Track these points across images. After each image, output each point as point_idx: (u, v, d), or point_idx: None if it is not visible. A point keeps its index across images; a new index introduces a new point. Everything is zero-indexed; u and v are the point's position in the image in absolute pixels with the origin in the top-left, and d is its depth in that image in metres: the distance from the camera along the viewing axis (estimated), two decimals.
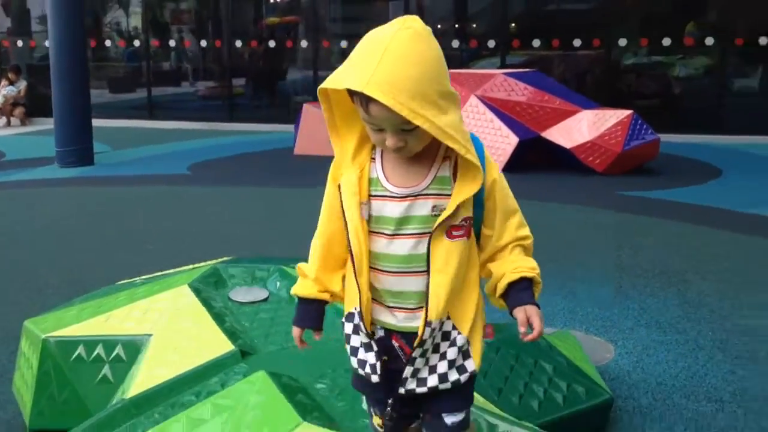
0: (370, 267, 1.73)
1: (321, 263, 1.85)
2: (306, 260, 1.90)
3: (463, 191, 1.68)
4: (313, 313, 1.88)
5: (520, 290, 1.73)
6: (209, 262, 3.46)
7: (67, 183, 8.39)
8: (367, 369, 1.77)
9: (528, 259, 1.77)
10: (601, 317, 4.18)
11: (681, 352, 3.72)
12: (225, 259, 3.56)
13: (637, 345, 3.81)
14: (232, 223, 6.35)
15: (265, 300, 3.07)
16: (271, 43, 14.15)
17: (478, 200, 1.73)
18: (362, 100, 1.60)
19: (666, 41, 12.10)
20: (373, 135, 1.69)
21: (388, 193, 1.71)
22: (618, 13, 12.57)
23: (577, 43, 12.51)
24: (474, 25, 13.92)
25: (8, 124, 13.93)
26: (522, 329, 1.70)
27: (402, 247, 1.71)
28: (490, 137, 8.89)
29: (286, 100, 14.32)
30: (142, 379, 2.52)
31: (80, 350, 2.77)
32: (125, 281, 3.47)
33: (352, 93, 1.65)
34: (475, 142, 1.72)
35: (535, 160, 9.10)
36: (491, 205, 1.75)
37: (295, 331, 1.91)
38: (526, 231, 1.80)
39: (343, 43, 13.64)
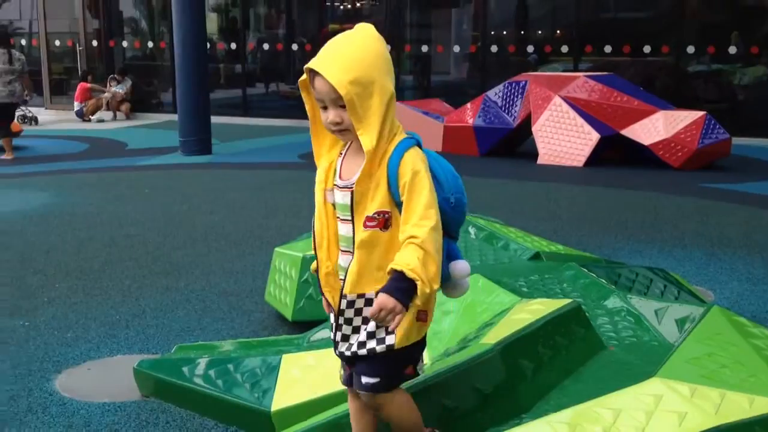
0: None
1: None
2: None
3: (358, 177, 1.93)
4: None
5: (389, 279, 1.87)
6: None
7: (200, 167, 9.49)
8: (330, 330, 2.11)
9: (409, 256, 1.84)
10: (699, 274, 5.04)
11: None
12: None
13: (732, 293, 4.67)
14: None
15: None
16: None
17: (397, 199, 1.92)
18: (311, 78, 1.95)
19: (732, 49, 12.82)
20: (322, 115, 1.96)
21: (338, 184, 2.01)
22: (686, 22, 13.34)
23: (647, 49, 13.29)
24: (547, 31, 14.75)
25: (114, 118, 15.20)
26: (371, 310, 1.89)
27: (343, 229, 2.02)
28: (573, 134, 9.79)
29: None
30: None
31: None
32: None
33: (312, 80, 1.96)
34: (403, 145, 1.93)
35: (613, 157, 10.00)
36: (404, 203, 1.91)
37: (324, 301, 2.12)
38: (417, 231, 1.86)
39: (424, 48, 14.61)
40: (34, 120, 14.04)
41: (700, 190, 8.01)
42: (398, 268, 1.84)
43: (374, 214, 1.93)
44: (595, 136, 9.62)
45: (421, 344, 2.07)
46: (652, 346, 2.73)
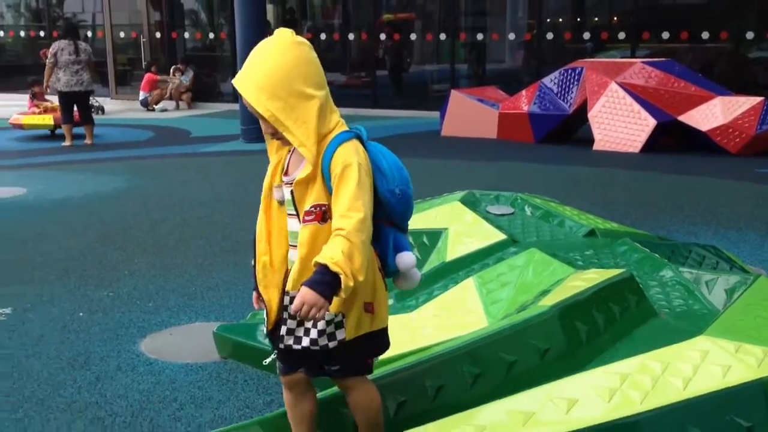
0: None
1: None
2: None
3: (297, 178, 1.99)
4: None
5: (313, 272, 1.88)
6: (457, 192, 4.62)
7: (261, 154, 9.73)
8: (264, 323, 2.14)
9: (334, 249, 1.86)
10: (753, 254, 5.11)
11: None
12: (464, 192, 4.72)
13: None
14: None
15: (512, 214, 4.20)
16: (413, 37, 15.38)
17: (331, 190, 1.95)
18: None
19: None
20: (261, 125, 2.03)
21: (284, 180, 2.06)
22: (746, 8, 13.16)
23: (705, 35, 13.16)
24: (604, 18, 14.69)
25: (177, 107, 15.68)
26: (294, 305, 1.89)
27: (291, 225, 2.05)
28: (629, 120, 9.81)
29: (424, 89, 15.49)
30: (450, 253, 3.70)
31: None
32: None
33: None
34: (338, 139, 1.98)
35: (670, 143, 10.00)
36: (333, 195, 1.95)
37: (254, 294, 2.16)
38: (344, 222, 1.88)
39: (479, 36, 14.70)
40: (101, 109, 14.56)
41: (756, 176, 7.99)
42: (322, 261, 1.84)
43: (311, 207, 1.97)
44: (651, 122, 9.63)
45: (380, 336, 2.10)
46: (702, 314, 2.87)
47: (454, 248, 3.72)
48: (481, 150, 9.93)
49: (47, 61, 10.47)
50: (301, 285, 1.86)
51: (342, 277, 1.82)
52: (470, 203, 4.29)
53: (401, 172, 2.09)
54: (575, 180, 7.89)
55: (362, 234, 1.89)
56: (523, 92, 11.17)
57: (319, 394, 2.28)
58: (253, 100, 1.94)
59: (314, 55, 2.01)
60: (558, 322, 2.54)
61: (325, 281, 1.83)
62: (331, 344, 2.00)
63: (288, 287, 2.01)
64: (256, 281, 2.09)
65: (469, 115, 11.23)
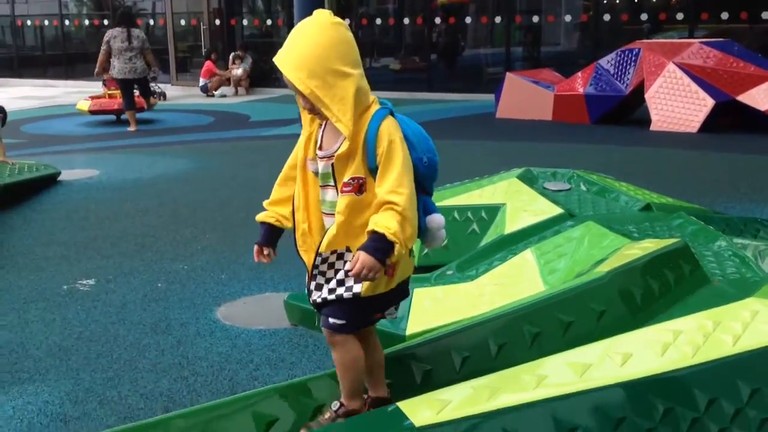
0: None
1: (273, 197, 2.33)
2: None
3: (337, 153, 2.10)
4: (264, 231, 2.34)
5: (367, 239, 2.05)
6: (514, 170, 4.75)
7: None
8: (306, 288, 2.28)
9: (389, 220, 2.01)
10: None
11: None
12: (521, 168, 4.85)
13: None
14: (456, 161, 7.69)
15: (568, 190, 4.33)
16: (468, 20, 15.43)
17: (372, 165, 2.07)
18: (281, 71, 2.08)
19: None
20: (298, 100, 2.14)
21: (319, 154, 2.18)
22: None
23: (765, 15, 12.92)
24: None
25: (236, 93, 16.04)
26: (348, 266, 2.08)
27: (328, 195, 2.17)
28: (687, 100, 9.76)
29: (479, 72, 15.54)
30: (509, 227, 3.86)
31: (454, 214, 4.16)
32: (457, 183, 4.84)
33: None
34: (378, 116, 2.08)
35: (728, 123, 9.91)
36: (380, 169, 2.06)
37: (255, 248, 2.34)
38: (395, 197, 2.02)
39: (535, 18, 14.68)
40: (162, 95, 15.00)
41: None
42: (379, 230, 1.99)
43: (349, 179, 2.08)
44: (709, 102, 9.56)
45: (391, 294, 2.21)
46: (754, 281, 2.97)
47: (512, 222, 3.87)
48: (536, 131, 10.00)
49: (102, 48, 10.71)
50: (358, 250, 2.03)
51: (397, 246, 2.00)
52: (527, 180, 4.42)
53: (427, 142, 2.23)
54: (632, 160, 7.92)
55: (413, 209, 2.04)
56: (579, 74, 11.17)
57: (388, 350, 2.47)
58: (293, 78, 2.04)
59: (350, 35, 2.11)
60: (614, 286, 2.67)
61: (380, 248, 2.01)
62: (347, 295, 2.13)
63: (321, 249, 2.15)
64: (297, 247, 2.24)
65: (525, 97, 11.28)
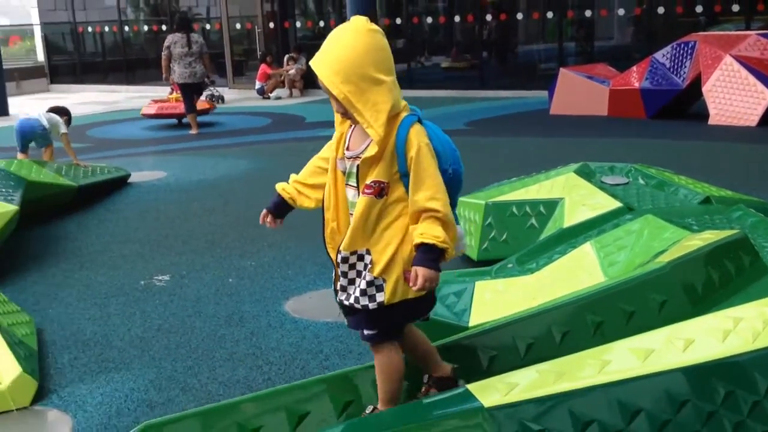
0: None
1: (300, 179, 2.42)
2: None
3: (364, 154, 2.16)
4: (276, 200, 2.44)
5: (418, 252, 2.12)
6: (571, 164, 4.83)
7: None
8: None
9: (434, 228, 2.10)
10: None
11: None
12: (579, 163, 4.92)
13: None
14: (511, 158, 7.76)
15: (627, 184, 4.39)
16: (519, 16, 15.43)
17: (403, 171, 2.14)
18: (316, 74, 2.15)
19: None
20: (331, 102, 2.21)
21: (346, 154, 2.25)
22: None
23: None
24: None
25: (290, 95, 16.32)
26: (410, 283, 2.14)
27: (350, 194, 2.25)
28: (745, 93, 9.64)
29: (531, 68, 15.52)
30: (568, 221, 3.95)
31: (513, 209, 4.26)
32: (514, 179, 4.93)
33: None
34: (407, 122, 2.14)
35: None
36: (410, 177, 2.13)
37: (263, 212, 2.47)
38: (435, 204, 2.10)
39: (587, 12, 14.60)
40: (221, 99, 15.35)
41: None
42: (428, 241, 2.08)
43: (371, 182, 2.15)
44: None
45: (419, 301, 2.23)
46: None
47: (571, 216, 3.96)
48: (591, 127, 9.99)
49: (163, 53, 11.05)
50: (413, 266, 2.11)
51: (448, 250, 2.11)
52: (585, 174, 4.50)
53: (454, 153, 2.29)
54: (689, 154, 7.89)
55: (449, 213, 2.13)
56: (634, 68, 11.11)
57: None
58: (327, 83, 2.11)
59: (386, 41, 2.16)
60: (675, 276, 2.75)
61: (433, 258, 2.11)
62: (371, 305, 2.20)
63: (342, 246, 2.20)
64: (325, 245, 2.30)
65: (579, 92, 11.26)
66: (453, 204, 2.26)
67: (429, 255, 2.10)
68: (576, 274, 3.47)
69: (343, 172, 2.25)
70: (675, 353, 2.27)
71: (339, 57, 2.10)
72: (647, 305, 2.69)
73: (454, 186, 2.26)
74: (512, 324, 2.62)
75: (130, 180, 7.56)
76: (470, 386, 2.20)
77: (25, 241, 5.50)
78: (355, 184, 2.20)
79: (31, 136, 7.18)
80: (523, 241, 4.16)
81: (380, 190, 2.15)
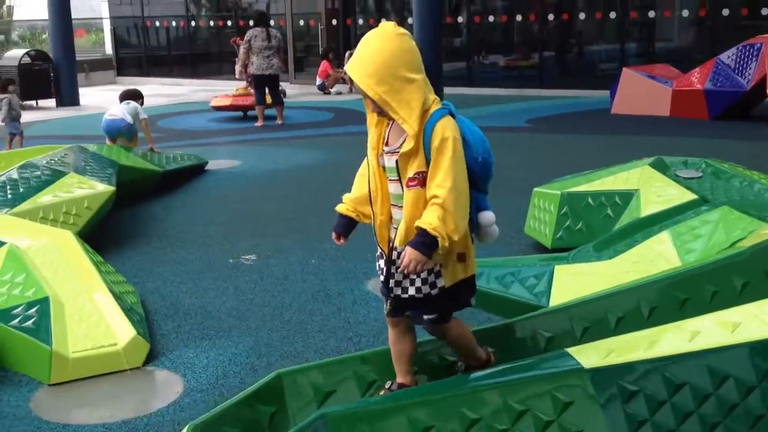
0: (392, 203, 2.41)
1: (353, 194, 2.57)
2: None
3: (402, 149, 2.32)
4: (341, 221, 2.59)
5: (415, 235, 2.28)
6: (645, 158, 4.96)
7: None
8: (378, 271, 2.51)
9: (432, 215, 2.24)
10: None
11: None
12: (653, 157, 5.02)
13: None
14: (576, 154, 7.87)
15: (700, 177, 4.52)
16: (581, 16, 15.47)
17: (429, 159, 2.29)
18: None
19: None
20: (365, 104, 2.37)
21: (385, 150, 2.40)
22: None
23: None
24: None
25: (350, 90, 16.59)
26: (399, 261, 2.32)
27: (392, 188, 2.39)
28: None
29: (591, 68, 15.54)
30: (643, 211, 4.10)
31: (588, 199, 4.43)
32: (588, 171, 5.08)
33: None
34: (436, 116, 2.29)
35: None
36: (431, 164, 2.29)
37: (333, 234, 2.62)
38: (439, 191, 2.24)
39: (650, 13, 14.57)
40: (283, 93, 15.72)
41: None
42: (422, 226, 2.23)
43: (414, 174, 2.30)
44: None
45: (471, 283, 2.46)
46: None
47: (647, 207, 4.12)
48: (655, 126, 10.03)
49: (242, 46, 11.42)
50: (406, 246, 2.27)
51: (439, 239, 2.23)
52: (659, 167, 4.64)
53: (484, 143, 2.43)
54: (756, 154, 7.91)
55: (455, 201, 2.24)
56: (698, 69, 11.10)
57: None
58: (363, 86, 2.27)
59: (413, 43, 2.33)
60: (756, 261, 2.90)
61: (425, 242, 2.24)
62: (433, 292, 2.37)
63: (396, 243, 2.36)
64: (376, 238, 2.45)
65: (641, 92, 11.29)
66: (484, 191, 2.48)
67: (420, 239, 2.25)
68: (653, 260, 3.62)
69: (384, 168, 2.40)
70: (761, 326, 2.42)
71: (372, 60, 2.27)
72: (729, 286, 2.85)
73: (484, 173, 2.44)
74: (604, 298, 2.80)
75: (206, 168, 7.89)
76: (569, 349, 2.40)
77: (116, 222, 5.84)
78: (396, 178, 2.36)
79: (117, 134, 7.58)
80: (598, 230, 4.32)
81: (423, 180, 2.30)
